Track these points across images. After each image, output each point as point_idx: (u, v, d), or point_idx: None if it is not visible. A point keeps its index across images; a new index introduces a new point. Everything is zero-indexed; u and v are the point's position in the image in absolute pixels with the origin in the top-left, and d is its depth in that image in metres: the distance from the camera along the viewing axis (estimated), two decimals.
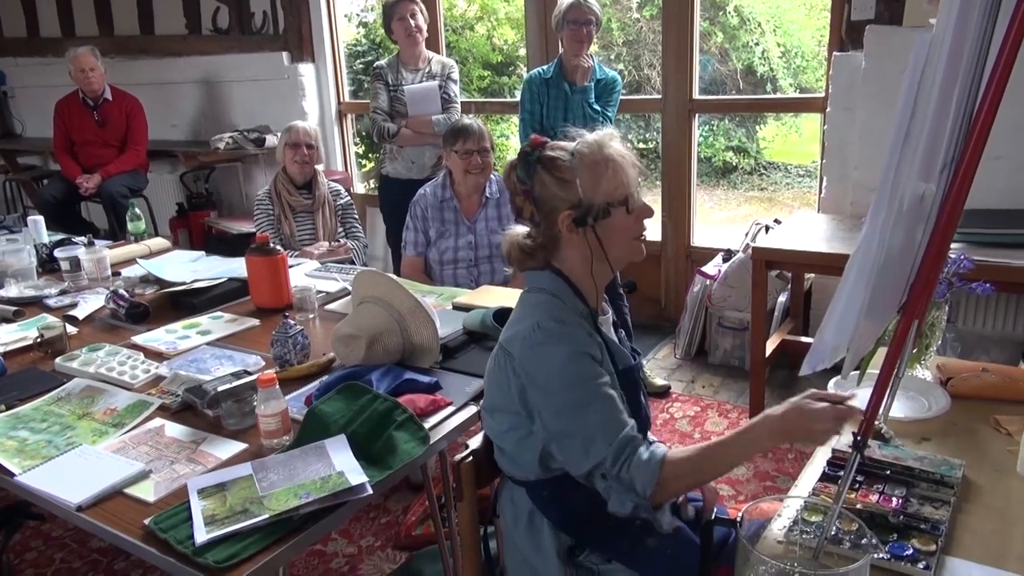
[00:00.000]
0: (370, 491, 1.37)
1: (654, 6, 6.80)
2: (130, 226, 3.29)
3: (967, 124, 0.92)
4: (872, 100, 3.18)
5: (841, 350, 0.96)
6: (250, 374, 1.73)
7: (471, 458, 1.40)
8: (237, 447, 1.57)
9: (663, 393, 3.34)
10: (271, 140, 4.65)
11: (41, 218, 3.27)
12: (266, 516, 1.29)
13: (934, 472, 1.26)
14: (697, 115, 3.91)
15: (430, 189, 2.92)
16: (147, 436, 1.63)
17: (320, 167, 3.33)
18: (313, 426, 1.55)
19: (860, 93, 3.22)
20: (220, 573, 1.20)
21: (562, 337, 1.31)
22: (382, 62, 3.68)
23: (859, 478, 1.27)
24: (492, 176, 2.91)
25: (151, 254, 3.07)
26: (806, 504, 1.15)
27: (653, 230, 3.90)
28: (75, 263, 2.71)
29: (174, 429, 1.65)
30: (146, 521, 1.32)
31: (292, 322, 1.97)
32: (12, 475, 1.50)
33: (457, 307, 2.32)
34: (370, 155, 6.53)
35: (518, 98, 3.51)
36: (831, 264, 2.79)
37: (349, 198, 3.40)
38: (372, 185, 5.36)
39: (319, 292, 2.44)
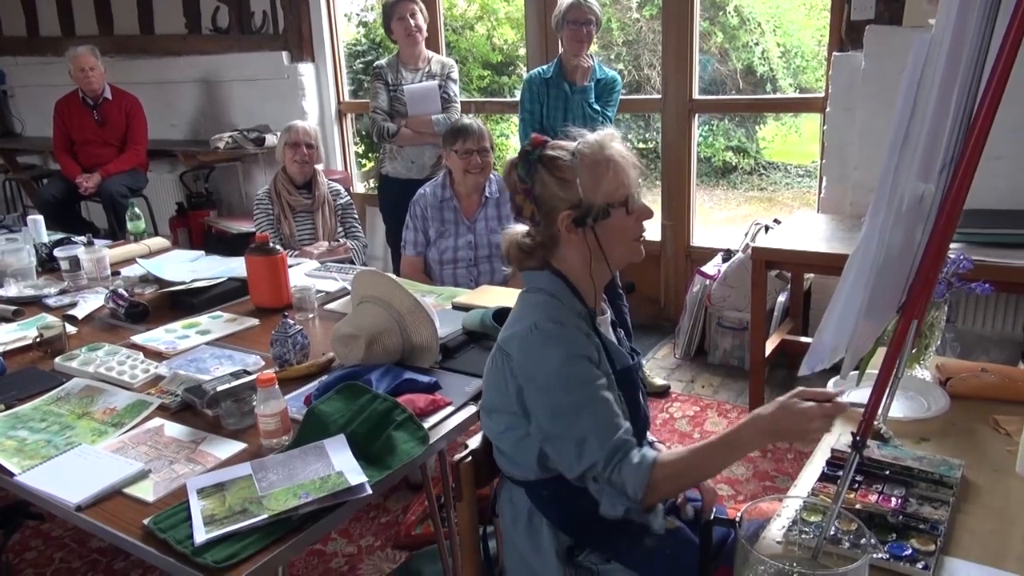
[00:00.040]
0: (369, 491, 1.37)
1: (654, 6, 6.80)
2: (130, 226, 3.29)
3: (966, 124, 0.92)
4: (872, 100, 3.18)
5: (840, 350, 0.96)
6: (249, 374, 1.73)
7: (470, 458, 1.40)
8: (236, 447, 1.57)
9: (663, 393, 3.34)
10: (271, 140, 4.65)
11: (41, 217, 3.27)
12: (265, 516, 1.29)
13: (933, 472, 1.26)
14: (697, 115, 3.91)
15: (430, 189, 2.92)
16: (146, 436, 1.63)
17: (320, 167, 3.33)
18: (312, 426, 1.55)
19: (860, 93, 3.23)
20: (219, 573, 1.20)
21: (559, 338, 1.31)
22: (382, 62, 3.68)
23: (858, 478, 1.27)
24: (492, 176, 2.91)
25: (151, 254, 3.07)
26: (805, 504, 1.15)
27: (653, 230, 3.91)
28: (75, 263, 2.71)
29: (173, 429, 1.65)
30: (145, 521, 1.32)
31: (291, 322, 1.97)
32: (11, 475, 1.50)
33: (456, 307, 2.32)
34: (370, 155, 6.53)
35: (518, 98, 3.51)
36: (831, 264, 2.79)
37: (349, 198, 3.40)
38: (372, 185, 5.36)
39: (318, 292, 2.44)
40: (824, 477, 1.30)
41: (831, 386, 1.54)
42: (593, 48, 3.39)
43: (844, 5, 3.26)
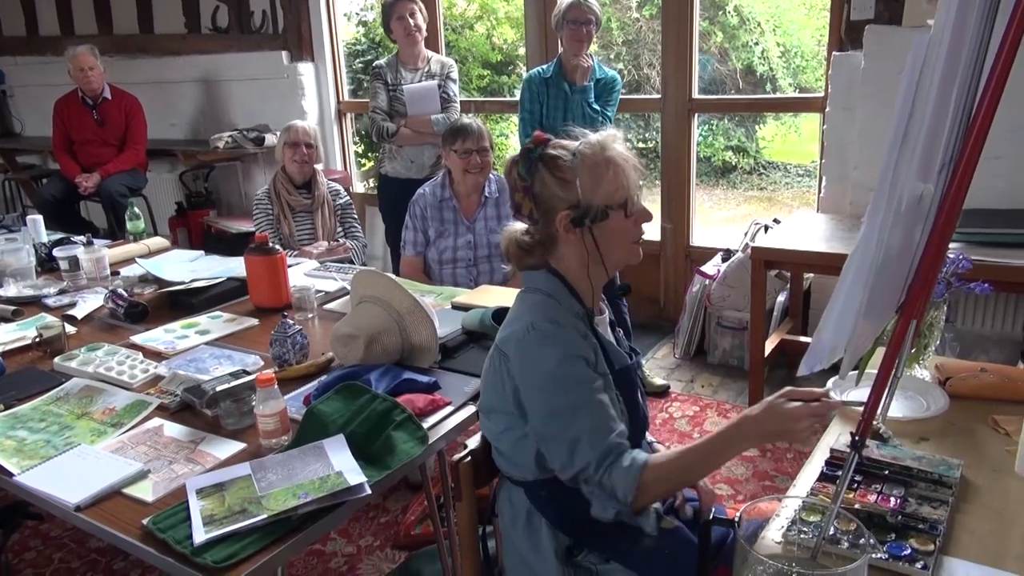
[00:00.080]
0: (368, 491, 1.37)
1: (653, 5, 6.80)
2: (129, 225, 3.29)
3: (965, 123, 0.92)
4: (871, 100, 3.18)
5: (839, 350, 0.96)
6: (249, 374, 1.73)
7: (469, 458, 1.40)
8: (236, 447, 1.56)
9: (662, 393, 3.34)
10: (270, 139, 4.65)
11: (40, 217, 3.27)
12: (264, 516, 1.29)
13: (932, 472, 1.26)
14: (696, 115, 3.91)
15: (429, 189, 2.92)
16: (146, 436, 1.63)
17: (319, 166, 3.33)
18: (312, 426, 1.55)
19: (859, 93, 3.23)
20: (219, 573, 1.20)
21: (556, 339, 1.30)
22: (381, 61, 3.68)
23: (857, 478, 1.27)
24: (491, 176, 2.91)
25: (150, 253, 3.07)
26: (804, 504, 1.15)
27: (652, 230, 3.91)
28: (74, 262, 2.71)
29: (173, 429, 1.65)
30: (144, 521, 1.32)
31: (291, 322, 1.97)
32: (11, 475, 1.50)
33: (456, 307, 2.32)
34: (369, 154, 6.53)
35: (517, 97, 3.51)
36: (830, 264, 2.79)
37: (348, 198, 3.40)
38: (371, 184, 5.36)
39: (318, 292, 2.44)
40: (823, 477, 1.30)
41: (830, 386, 1.55)
42: (593, 48, 3.39)
43: (844, 5, 3.26)
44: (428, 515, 2.36)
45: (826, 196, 3.49)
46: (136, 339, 2.17)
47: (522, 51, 6.37)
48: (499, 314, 1.98)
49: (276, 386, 1.54)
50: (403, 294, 1.88)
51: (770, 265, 3.03)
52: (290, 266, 2.59)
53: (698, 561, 1.28)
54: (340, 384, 1.66)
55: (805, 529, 1.11)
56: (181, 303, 2.43)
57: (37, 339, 2.11)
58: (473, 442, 1.44)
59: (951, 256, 1.58)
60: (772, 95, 6.85)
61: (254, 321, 2.29)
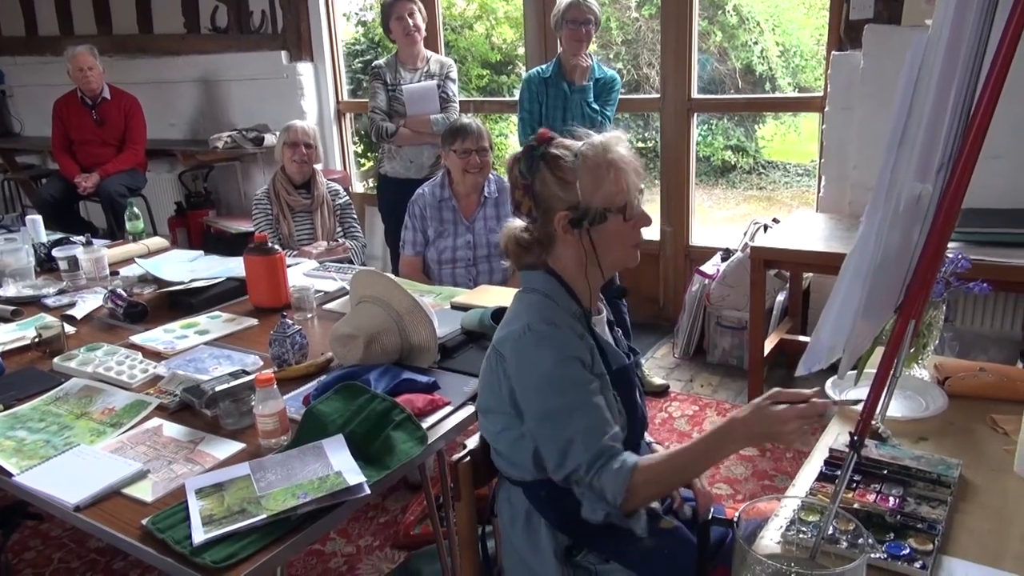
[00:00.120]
0: (368, 491, 1.37)
1: (653, 5, 6.80)
2: (128, 225, 3.29)
3: (964, 123, 0.92)
4: (871, 99, 3.18)
5: (837, 350, 0.96)
6: (248, 374, 1.73)
7: (468, 458, 1.40)
8: (235, 447, 1.56)
9: (661, 392, 3.34)
10: (270, 139, 4.65)
11: (39, 217, 3.27)
12: (264, 516, 1.29)
13: (931, 472, 1.26)
14: (696, 114, 3.91)
15: (428, 188, 2.92)
16: (145, 436, 1.63)
17: (319, 166, 3.33)
18: (311, 426, 1.55)
19: (859, 92, 3.23)
20: (218, 573, 1.20)
21: (552, 341, 1.31)
22: (380, 61, 3.68)
23: (856, 477, 1.27)
24: (491, 176, 2.91)
25: (149, 253, 3.07)
26: (803, 504, 1.15)
27: (652, 230, 3.91)
28: (73, 262, 2.71)
29: (172, 429, 1.65)
30: (144, 521, 1.32)
31: (290, 322, 1.97)
32: (10, 475, 1.50)
33: (455, 306, 2.32)
34: (369, 154, 6.53)
35: (517, 97, 3.51)
36: (829, 263, 2.79)
37: (348, 197, 3.40)
38: (371, 184, 5.36)
39: (317, 292, 2.44)
40: (822, 476, 1.30)
41: (829, 386, 1.55)
42: (592, 47, 3.39)
43: (843, 4, 3.26)
44: (427, 515, 2.36)
45: (825, 196, 3.49)
46: (135, 339, 2.17)
47: (521, 51, 6.36)
48: (498, 314, 1.98)
49: (275, 386, 1.54)
50: (402, 294, 1.88)
51: (769, 265, 3.03)
52: (289, 266, 2.59)
53: (697, 561, 1.28)
54: (339, 384, 1.66)
55: (804, 529, 1.11)
56: (180, 303, 2.43)
57: (36, 339, 2.11)
58: (472, 442, 1.44)
59: (950, 256, 1.58)
60: (771, 95, 6.85)
61: (253, 321, 2.29)
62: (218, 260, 2.86)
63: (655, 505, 1.42)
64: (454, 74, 3.70)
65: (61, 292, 2.62)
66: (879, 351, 1.15)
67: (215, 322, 2.30)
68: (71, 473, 1.49)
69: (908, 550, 1.10)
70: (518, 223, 1.43)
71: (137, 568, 2.34)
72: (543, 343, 1.30)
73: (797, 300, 3.58)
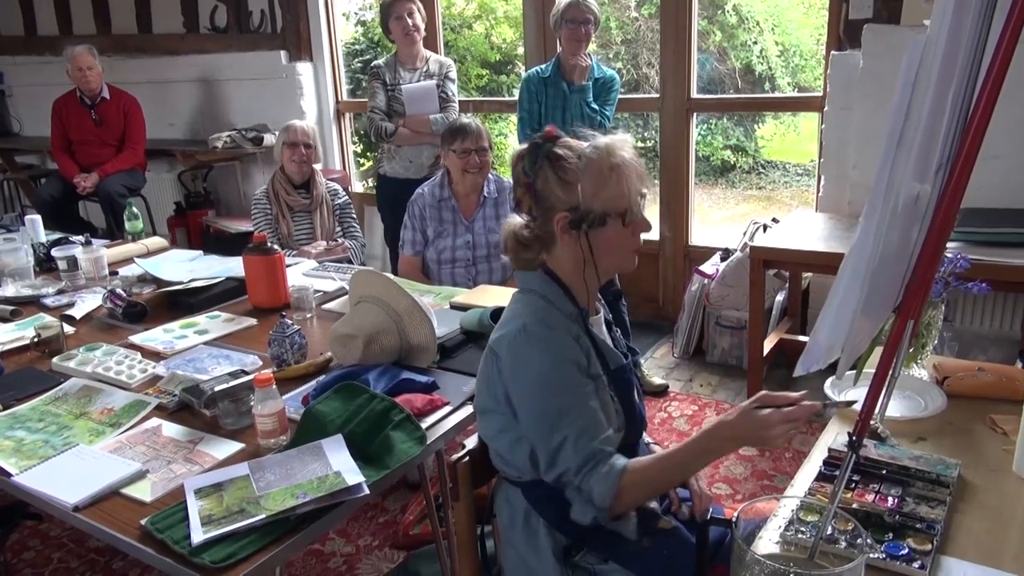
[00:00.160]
0: (367, 491, 1.37)
1: (652, 5, 6.80)
2: (128, 225, 3.29)
3: (963, 123, 0.92)
4: (870, 99, 3.18)
5: (836, 350, 0.96)
6: (247, 374, 1.73)
7: (467, 458, 1.40)
8: (234, 447, 1.57)
9: (661, 392, 3.34)
10: (269, 139, 4.65)
11: (39, 217, 3.26)
12: (263, 516, 1.29)
13: (930, 471, 1.26)
14: (695, 114, 3.91)
15: (428, 188, 2.92)
16: (144, 436, 1.63)
17: (318, 166, 3.33)
18: (310, 426, 1.55)
19: (858, 92, 3.23)
20: (217, 573, 1.20)
21: (546, 343, 1.31)
22: (380, 61, 3.68)
23: (855, 477, 1.27)
24: (490, 176, 2.91)
25: (148, 253, 3.07)
26: (802, 503, 1.15)
27: (650, 230, 3.89)
28: (72, 262, 2.71)
29: (171, 429, 1.65)
30: (143, 521, 1.32)
31: (289, 322, 1.97)
32: (9, 475, 1.50)
33: (455, 306, 2.32)
34: (368, 154, 6.53)
35: (516, 97, 3.51)
36: (829, 263, 2.79)
37: (347, 197, 3.39)
38: (370, 184, 5.36)
39: (317, 291, 2.44)
40: (821, 476, 1.30)
41: (828, 386, 1.55)
42: (591, 47, 3.39)
43: (842, 4, 3.26)
44: (427, 515, 2.36)
45: (825, 195, 3.49)
46: (134, 339, 2.17)
47: (521, 50, 6.36)
48: (497, 314, 1.98)
49: (274, 386, 1.54)
50: (401, 294, 1.88)
51: (769, 264, 3.03)
52: (289, 266, 2.59)
53: (696, 561, 1.28)
54: (338, 384, 1.66)
55: (803, 529, 1.11)
56: (180, 303, 2.43)
57: (35, 339, 2.11)
58: (471, 442, 1.44)
59: (949, 256, 1.58)
60: (771, 94, 6.85)
61: (253, 321, 2.29)
62: (217, 260, 2.86)
63: (654, 505, 1.42)
64: (453, 74, 3.70)
65: (60, 292, 2.62)
66: (878, 351, 1.15)
67: (214, 322, 2.29)
68: (70, 473, 1.49)
69: (907, 550, 1.10)
70: (519, 219, 1.42)
71: (136, 568, 2.34)
72: (537, 345, 1.30)
73: (796, 300, 3.58)
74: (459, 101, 3.71)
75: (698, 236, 4.09)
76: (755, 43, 7.21)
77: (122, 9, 5.44)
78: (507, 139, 6.99)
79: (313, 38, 4.80)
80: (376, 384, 1.71)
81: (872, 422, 1.34)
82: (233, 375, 1.73)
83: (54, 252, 2.81)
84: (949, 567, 1.08)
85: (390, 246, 3.69)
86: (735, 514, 1.00)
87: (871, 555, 1.07)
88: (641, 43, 7.32)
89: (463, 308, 2.25)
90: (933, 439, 1.42)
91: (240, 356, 2.02)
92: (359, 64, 6.42)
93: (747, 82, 7.33)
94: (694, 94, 3.84)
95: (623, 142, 1.36)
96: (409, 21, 3.54)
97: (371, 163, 6.16)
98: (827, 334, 0.95)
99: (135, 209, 3.37)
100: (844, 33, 3.28)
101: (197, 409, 1.69)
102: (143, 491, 1.42)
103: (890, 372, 1.00)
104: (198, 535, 1.26)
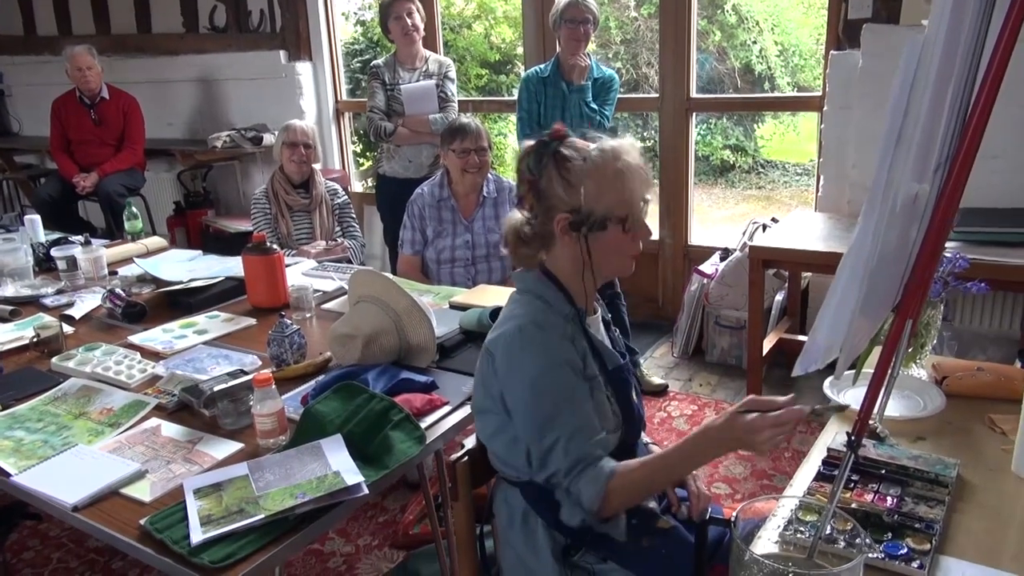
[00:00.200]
0: (366, 491, 1.37)
1: (652, 4, 6.80)
2: (127, 225, 3.29)
3: (962, 123, 0.92)
4: (869, 99, 3.18)
5: (834, 350, 0.96)
6: (246, 374, 1.73)
7: (466, 458, 1.40)
8: (233, 447, 1.56)
9: (660, 392, 3.34)
10: (268, 139, 4.65)
11: (38, 217, 3.26)
12: (262, 516, 1.29)
13: (929, 471, 1.26)
14: (695, 114, 3.92)
15: (427, 188, 2.92)
16: (143, 436, 1.63)
17: (317, 166, 3.33)
18: (309, 426, 1.55)
19: (857, 92, 3.23)
20: (216, 573, 1.20)
21: (541, 345, 1.31)
22: (379, 61, 3.68)
23: (854, 477, 1.27)
24: (489, 176, 2.91)
25: (148, 253, 3.07)
26: (801, 503, 1.15)
27: (650, 229, 3.89)
28: (72, 262, 2.71)
29: (170, 429, 1.65)
30: (142, 521, 1.32)
31: (289, 321, 1.97)
32: (8, 475, 1.50)
33: (454, 306, 2.32)
34: (367, 154, 6.52)
35: (515, 97, 3.51)
36: (828, 263, 2.79)
37: (346, 197, 3.39)
38: (369, 184, 5.35)
39: (316, 291, 2.44)
40: (820, 476, 1.30)
41: (827, 386, 1.55)
42: (591, 47, 3.39)
43: (841, 4, 3.26)
44: (426, 515, 2.36)
45: (824, 195, 3.49)
46: (134, 339, 2.17)
47: (520, 50, 6.37)
48: (496, 314, 1.98)
49: (274, 386, 1.54)
50: (401, 294, 1.88)
51: (768, 264, 3.03)
52: (288, 266, 2.58)
53: (694, 561, 1.28)
54: (338, 384, 1.66)
55: (802, 528, 1.12)
56: (179, 303, 2.43)
57: (35, 339, 2.11)
58: (470, 442, 1.45)
59: (948, 255, 1.58)
60: (770, 94, 6.85)
61: (252, 321, 2.29)
62: (217, 260, 2.86)
63: (652, 505, 1.42)
64: (452, 74, 3.70)
65: (59, 292, 2.62)
66: (877, 350, 1.15)
67: (213, 322, 2.29)
68: (69, 473, 1.49)
69: (906, 550, 1.10)
70: (521, 215, 1.42)
71: (136, 568, 2.34)
72: (531, 347, 1.30)
73: (796, 299, 3.58)
74: (458, 101, 3.71)
75: (697, 236, 4.09)
76: (754, 43, 7.21)
77: (121, 9, 5.43)
78: (506, 139, 6.99)
79: (312, 38, 4.80)
80: (375, 384, 1.71)
81: (871, 422, 1.34)
82: (232, 375, 1.73)
83: (53, 252, 2.81)
84: (948, 567, 1.08)
85: (389, 246, 3.69)
86: (734, 514, 1.00)
87: (870, 555, 1.07)
88: (640, 43, 7.31)
89: (462, 308, 2.25)
90: (932, 439, 1.42)
91: (239, 356, 2.02)
92: (358, 64, 6.42)
93: (746, 82, 7.33)
94: (693, 94, 3.84)
95: (630, 146, 1.35)
96: (408, 21, 3.54)
97: (370, 163, 6.16)
98: (825, 334, 0.95)
99: (134, 209, 3.36)
100: (843, 33, 3.28)
101: (196, 409, 1.69)
102: (142, 491, 1.42)
103: (889, 372, 1.00)
104: (197, 535, 1.26)
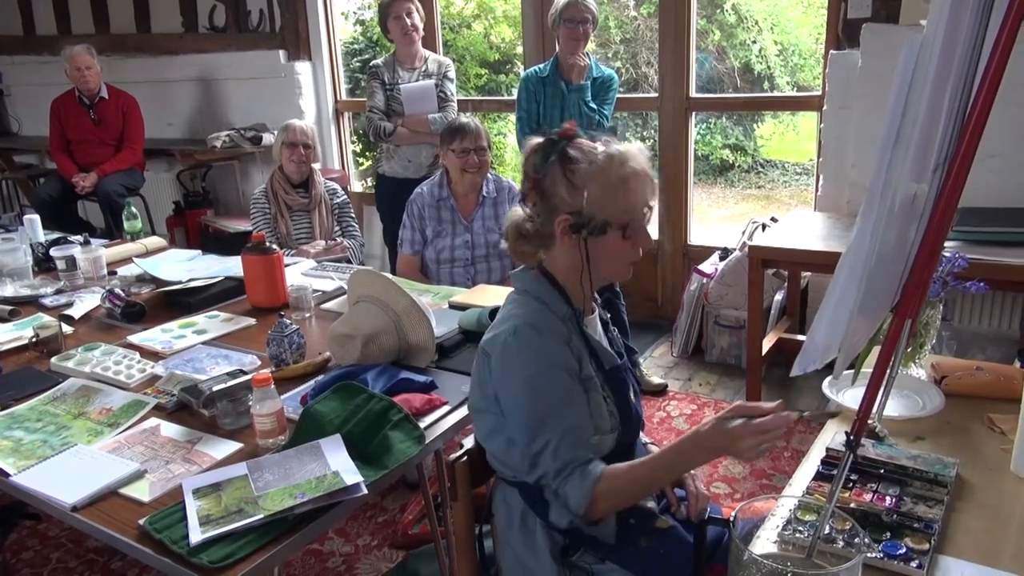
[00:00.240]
0: (365, 491, 1.37)
1: (652, 4, 6.80)
2: (126, 225, 3.29)
3: (960, 123, 0.92)
4: (868, 98, 3.18)
5: (833, 350, 0.96)
6: (245, 373, 1.73)
7: (466, 458, 1.40)
8: (232, 447, 1.56)
9: (660, 391, 3.34)
10: (268, 138, 4.65)
11: (37, 217, 3.26)
12: (261, 516, 1.29)
13: (928, 471, 1.26)
14: (694, 113, 3.92)
15: (427, 188, 2.92)
16: (142, 436, 1.63)
17: (317, 166, 3.33)
18: (308, 426, 1.55)
19: (857, 91, 3.23)
20: (215, 573, 1.20)
21: (535, 348, 1.30)
22: (378, 61, 3.68)
23: (853, 477, 1.27)
24: (489, 175, 2.91)
25: (147, 253, 3.07)
26: (800, 503, 1.15)
27: (650, 229, 3.90)
28: (71, 262, 2.71)
29: (169, 429, 1.65)
30: (141, 521, 1.32)
31: (288, 321, 1.97)
32: (7, 475, 1.50)
33: (453, 306, 2.32)
34: (367, 154, 6.52)
35: (515, 96, 3.51)
36: (827, 262, 2.79)
37: (346, 197, 3.39)
38: (369, 184, 5.35)
39: (315, 291, 2.44)
40: (819, 476, 1.30)
41: (826, 385, 1.55)
42: (590, 46, 3.39)
43: (841, 3, 3.26)
44: (426, 514, 2.36)
45: (823, 195, 3.49)
46: (133, 339, 2.16)
47: (520, 50, 6.36)
48: (496, 314, 1.98)
49: (273, 386, 1.54)
50: (400, 294, 1.88)
51: (767, 264, 3.03)
52: (287, 265, 2.58)
53: (693, 561, 1.28)
54: (337, 384, 1.66)
55: (801, 528, 1.12)
56: (178, 303, 2.42)
57: (34, 339, 2.11)
58: (469, 442, 1.45)
59: (947, 255, 1.58)
60: (770, 94, 6.86)
61: (251, 321, 2.29)
62: (216, 259, 2.86)
63: (651, 505, 1.43)
64: (452, 73, 3.70)
65: (59, 292, 2.62)
66: (876, 350, 1.15)
67: (213, 322, 2.29)
68: (68, 473, 1.49)
69: (904, 549, 1.10)
70: (524, 212, 1.42)
71: (135, 568, 2.34)
72: (526, 349, 1.30)
73: (795, 299, 3.58)
74: (458, 100, 3.71)
75: (697, 235, 4.09)
76: (754, 42, 7.21)
77: (120, 8, 5.43)
78: (506, 138, 6.99)
79: (312, 37, 4.79)
80: (374, 384, 1.71)
81: (870, 421, 1.34)
82: (231, 375, 1.73)
83: (53, 252, 2.81)
84: (947, 566, 1.08)
85: (389, 246, 3.69)
86: (733, 513, 1.00)
87: (869, 554, 1.07)
88: (640, 42, 7.31)
89: (462, 308, 2.25)
90: (931, 438, 1.42)
91: (239, 356, 2.02)
92: (358, 64, 6.42)
93: (746, 81, 7.33)
94: (693, 93, 3.84)
95: (638, 152, 1.35)
96: (408, 21, 3.54)
97: (370, 163, 6.15)
98: (824, 334, 0.95)
99: (134, 209, 3.36)
100: (843, 32, 3.28)
101: (195, 409, 1.69)
102: (141, 491, 1.42)
103: (888, 371, 1.00)
104: (196, 535, 1.26)
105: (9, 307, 2.45)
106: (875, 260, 0.86)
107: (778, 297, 3.61)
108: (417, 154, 3.60)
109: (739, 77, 7.35)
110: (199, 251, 3.10)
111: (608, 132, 1.42)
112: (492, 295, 2.34)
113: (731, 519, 0.99)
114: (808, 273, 3.53)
